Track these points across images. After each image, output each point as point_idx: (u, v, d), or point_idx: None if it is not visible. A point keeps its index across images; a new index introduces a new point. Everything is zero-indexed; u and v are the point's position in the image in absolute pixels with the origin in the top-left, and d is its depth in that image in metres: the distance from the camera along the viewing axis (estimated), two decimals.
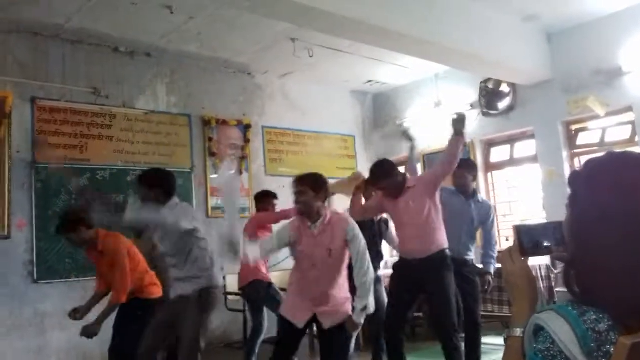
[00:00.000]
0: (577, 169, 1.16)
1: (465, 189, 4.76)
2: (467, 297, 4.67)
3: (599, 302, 1.01)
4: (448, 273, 4.19)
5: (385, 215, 5.11)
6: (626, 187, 1.05)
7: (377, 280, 4.79)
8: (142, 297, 4.37)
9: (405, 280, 4.26)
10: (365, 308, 3.48)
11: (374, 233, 5.04)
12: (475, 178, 4.92)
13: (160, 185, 3.83)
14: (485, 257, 4.84)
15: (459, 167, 4.46)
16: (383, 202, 4.37)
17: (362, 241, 3.56)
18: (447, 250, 4.23)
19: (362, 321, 3.56)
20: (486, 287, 4.82)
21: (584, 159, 6.69)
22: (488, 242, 4.88)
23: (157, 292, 4.46)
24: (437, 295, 4.17)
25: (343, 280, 3.65)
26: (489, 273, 4.80)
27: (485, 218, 4.83)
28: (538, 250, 1.25)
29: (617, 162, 1.11)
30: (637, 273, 1.00)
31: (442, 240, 4.23)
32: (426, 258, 4.15)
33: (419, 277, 4.16)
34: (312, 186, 3.54)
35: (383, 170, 4.25)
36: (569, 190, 1.15)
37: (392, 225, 4.85)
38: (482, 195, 4.97)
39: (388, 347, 4.34)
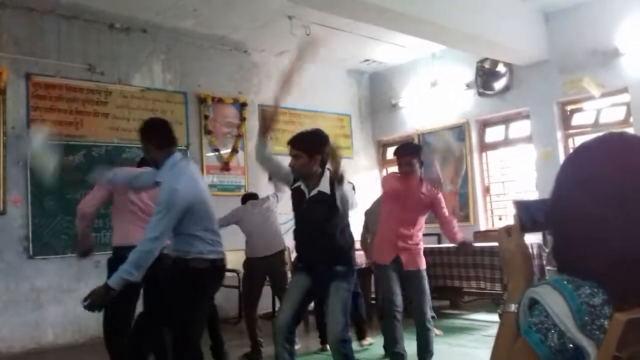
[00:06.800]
0: (583, 145, 1.15)
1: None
2: None
3: (592, 278, 1.02)
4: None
5: None
6: (626, 168, 1.05)
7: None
8: None
9: None
10: None
11: None
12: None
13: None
14: None
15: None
16: None
17: None
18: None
19: None
20: None
21: (578, 139, 6.72)
22: None
23: None
24: None
25: None
26: None
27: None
28: (536, 226, 1.25)
29: (616, 143, 1.11)
30: (635, 253, 1.00)
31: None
32: None
33: None
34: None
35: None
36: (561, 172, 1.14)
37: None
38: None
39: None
